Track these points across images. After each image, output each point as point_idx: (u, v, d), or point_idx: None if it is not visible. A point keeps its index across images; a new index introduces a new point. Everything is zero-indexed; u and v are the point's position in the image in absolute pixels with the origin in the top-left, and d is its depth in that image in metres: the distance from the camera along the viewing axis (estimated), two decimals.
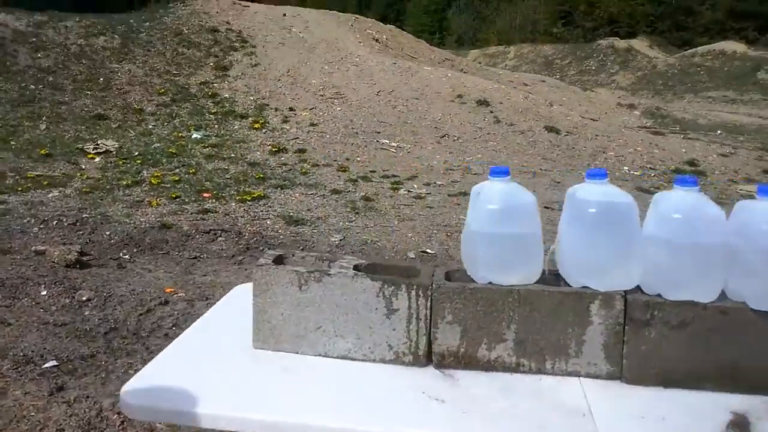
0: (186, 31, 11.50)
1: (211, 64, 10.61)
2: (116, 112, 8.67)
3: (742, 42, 27.11)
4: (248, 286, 1.68)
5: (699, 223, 1.26)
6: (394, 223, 5.69)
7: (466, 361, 1.35)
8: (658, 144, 10.01)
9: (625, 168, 8.43)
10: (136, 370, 3.16)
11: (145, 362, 3.24)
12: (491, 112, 10.12)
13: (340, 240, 5.18)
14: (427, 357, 1.38)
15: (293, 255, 1.53)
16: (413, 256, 4.89)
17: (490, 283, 1.35)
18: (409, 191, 6.69)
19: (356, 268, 1.45)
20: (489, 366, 1.35)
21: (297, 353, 1.41)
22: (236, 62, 10.83)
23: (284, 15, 13.67)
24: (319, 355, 1.40)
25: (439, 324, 1.35)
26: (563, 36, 34.79)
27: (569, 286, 1.36)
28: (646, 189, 7.34)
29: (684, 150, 9.85)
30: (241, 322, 1.46)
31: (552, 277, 1.39)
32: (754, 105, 21.49)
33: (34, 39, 10.00)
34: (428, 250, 4.98)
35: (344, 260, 1.50)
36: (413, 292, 1.35)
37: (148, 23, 11.56)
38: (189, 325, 3.71)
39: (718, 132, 13.09)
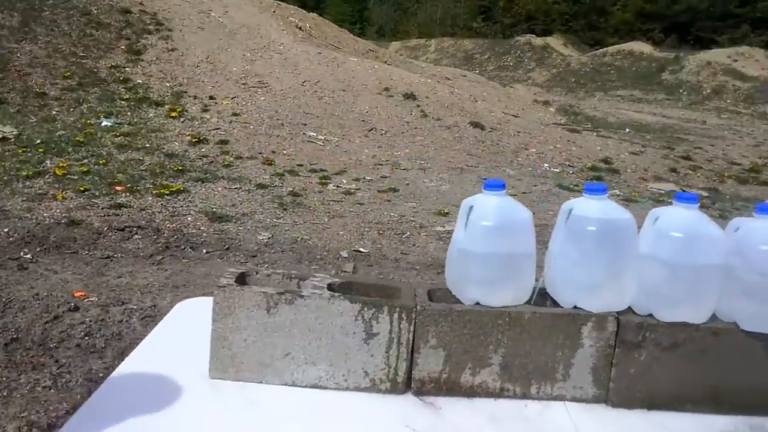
0: (95, 11, 10.73)
1: (123, 47, 9.95)
2: (15, 95, 7.94)
3: (648, 43, 28.58)
4: (193, 302, 1.49)
5: (699, 243, 1.17)
6: (324, 219, 5.49)
7: (448, 387, 1.22)
8: (575, 141, 10.29)
9: (546, 165, 8.59)
10: (44, 387, 2.85)
11: (54, 378, 2.92)
12: (418, 106, 10.06)
13: (269, 238, 4.92)
14: (406, 384, 1.24)
15: (257, 273, 1.33)
16: (346, 255, 4.72)
17: (477, 303, 1.20)
18: (338, 186, 6.50)
19: (330, 287, 1.27)
20: (472, 392, 1.23)
21: (261, 383, 1.23)
22: (150, 46, 10.21)
23: None
24: (286, 384, 1.22)
25: (421, 348, 1.21)
26: (483, 31, 35.45)
27: (558, 306, 1.24)
28: (566, 186, 7.49)
29: (599, 148, 10.17)
30: (191, 347, 1.25)
31: (539, 297, 1.26)
32: (659, 104, 22.73)
33: None
34: (361, 249, 4.82)
35: (316, 278, 1.32)
36: (396, 315, 1.19)
37: (51, 1, 10.70)
38: (103, 334, 3.38)
39: (627, 130, 13.66)
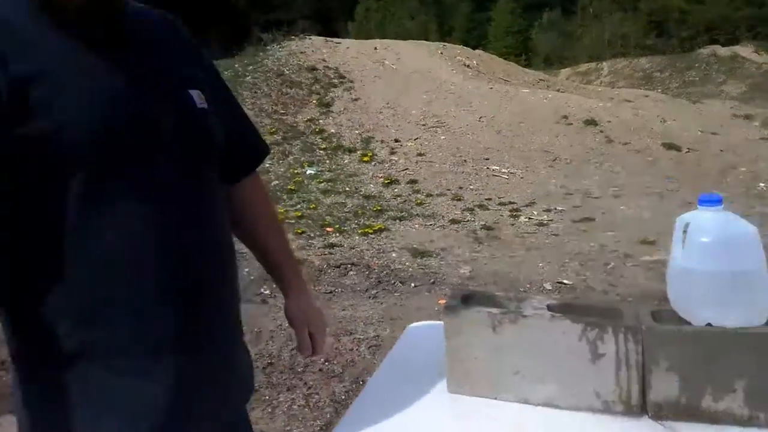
0: (287, 72, 11.90)
1: (314, 101, 10.89)
2: None
3: None
4: (420, 326, 1.62)
5: None
6: (521, 252, 5.52)
7: (688, 412, 1.19)
8: None
9: (762, 185, 7.83)
10: (300, 406, 3.19)
11: (306, 398, 3.27)
12: (601, 131, 9.76)
13: (470, 272, 5.07)
14: (641, 407, 1.23)
15: (476, 294, 1.44)
16: (550, 287, 4.70)
17: (709, 324, 1.18)
18: (529, 218, 6.51)
19: (550, 308, 1.33)
20: (715, 418, 1.19)
21: (495, 399, 1.30)
22: (337, 98, 11.06)
23: (375, 48, 13.92)
24: (519, 402, 1.28)
25: (653, 371, 1.20)
26: (658, 47, 33.45)
27: None
28: None
29: None
30: (427, 366, 1.38)
31: None
32: None
33: None
34: (565, 281, 4.77)
35: (534, 300, 1.39)
36: (621, 336, 1.21)
37: (251, 66, 12.06)
38: (339, 361, 3.70)
39: None
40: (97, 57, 0.87)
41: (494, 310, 1.29)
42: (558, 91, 13.95)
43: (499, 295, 1.48)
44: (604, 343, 1.20)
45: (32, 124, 0.80)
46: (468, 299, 1.39)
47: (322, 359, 3.60)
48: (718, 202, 1.19)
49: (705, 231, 1.19)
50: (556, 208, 6.84)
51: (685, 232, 1.27)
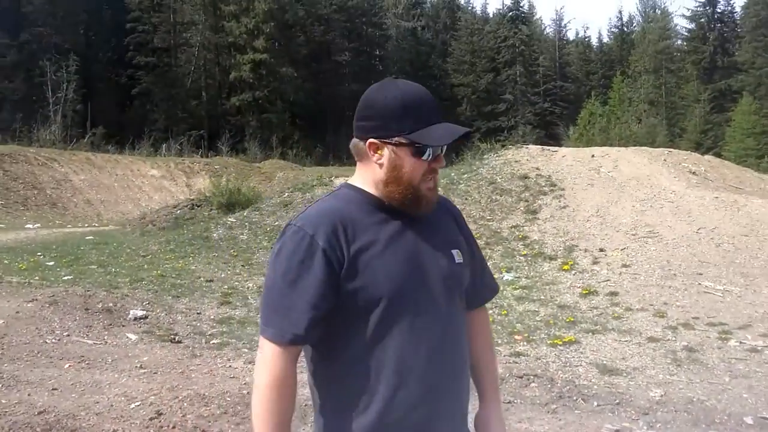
0: (499, 180, 12.45)
1: (522, 208, 11.21)
2: None
3: None
4: None
5: None
6: (724, 379, 5.10)
7: None
8: None
9: None
10: None
11: None
12: None
13: (661, 395, 4.82)
14: None
15: None
16: (751, 422, 4.29)
17: None
18: (741, 342, 5.95)
19: None
20: None
21: None
22: (545, 205, 11.25)
23: (593, 156, 13.89)
24: None
25: None
26: None
27: None
28: None
29: None
30: None
31: None
32: None
33: None
34: None
35: None
36: None
37: (466, 175, 12.87)
38: None
39: None
40: (400, 232, 1.43)
41: None
42: None
43: None
44: None
45: (356, 282, 1.35)
46: None
47: None
48: None
49: None
50: None
51: None
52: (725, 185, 13.17)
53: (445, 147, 1.42)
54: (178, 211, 17.08)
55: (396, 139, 1.39)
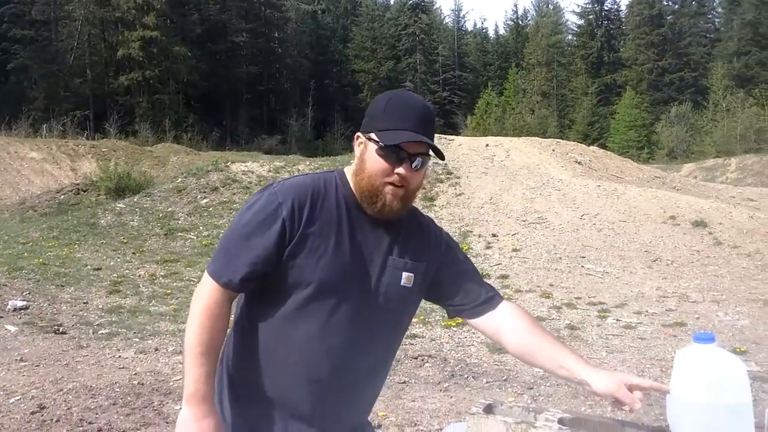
0: None
1: (419, 195, 11.44)
2: None
3: None
4: (459, 426, 1.83)
5: None
6: (602, 354, 5.50)
7: None
8: None
9: None
10: None
11: None
12: (710, 233, 9.44)
13: (544, 371, 5.12)
14: None
15: (501, 404, 1.68)
16: None
17: None
18: (618, 320, 6.44)
19: (561, 421, 1.55)
20: None
21: None
22: (442, 192, 11.58)
23: (487, 145, 14.43)
24: None
25: None
26: None
27: None
28: None
29: None
30: None
31: None
32: None
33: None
34: None
35: (549, 412, 1.61)
36: None
37: None
38: None
39: None
40: (361, 235, 1.47)
41: (509, 420, 1.54)
42: (674, 189, 13.63)
43: (519, 406, 1.73)
44: None
45: (295, 260, 1.40)
46: (491, 408, 1.64)
47: None
48: (711, 339, 1.40)
49: (696, 365, 1.38)
50: (647, 311, 6.71)
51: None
52: (608, 174, 14.12)
53: (421, 160, 1.43)
54: (62, 196, 16.05)
55: (370, 134, 1.45)
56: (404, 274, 1.50)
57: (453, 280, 1.60)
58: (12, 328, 5.84)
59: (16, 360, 5.01)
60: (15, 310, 6.34)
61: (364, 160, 1.44)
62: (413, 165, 1.42)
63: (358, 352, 1.47)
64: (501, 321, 1.60)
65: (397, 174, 1.41)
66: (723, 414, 1.32)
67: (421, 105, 1.47)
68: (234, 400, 1.51)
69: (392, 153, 1.41)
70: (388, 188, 1.42)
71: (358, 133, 1.48)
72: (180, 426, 1.38)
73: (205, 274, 1.45)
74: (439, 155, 1.48)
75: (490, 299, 1.62)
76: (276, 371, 1.46)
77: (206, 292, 1.42)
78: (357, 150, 1.48)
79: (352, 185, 1.48)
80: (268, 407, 1.47)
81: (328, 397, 1.47)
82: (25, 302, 6.58)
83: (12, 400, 4.20)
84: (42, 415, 3.98)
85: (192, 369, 1.37)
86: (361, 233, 1.47)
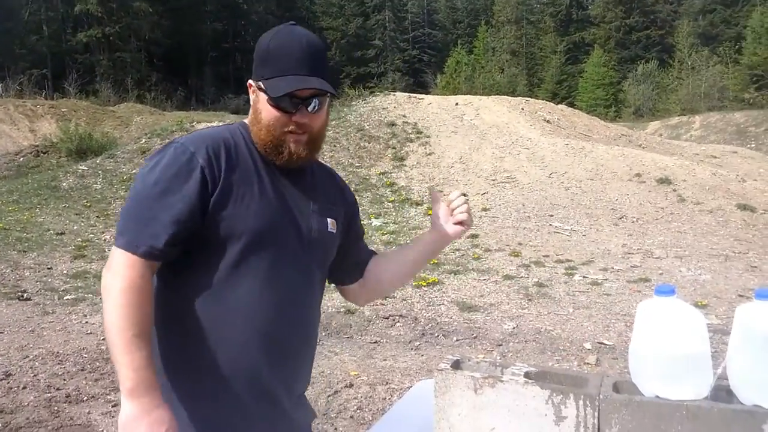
0: (367, 127, 12.54)
1: (390, 155, 11.41)
2: None
3: None
4: (429, 383, 1.85)
5: None
6: (569, 310, 5.61)
7: None
8: None
9: None
10: None
11: None
12: (674, 190, 9.62)
13: (513, 328, 5.22)
14: None
15: (469, 360, 1.70)
16: (589, 347, 4.78)
17: (657, 397, 1.40)
18: (584, 277, 6.56)
19: (527, 375, 1.58)
20: None
21: None
22: (412, 152, 11.54)
23: (456, 104, 14.36)
24: None
25: None
26: (757, 101, 32.04)
27: (741, 403, 1.37)
28: None
29: None
30: (424, 418, 1.64)
31: (723, 393, 1.41)
32: None
33: None
34: (605, 342, 4.84)
35: (516, 366, 1.63)
36: (581, 402, 1.44)
37: (334, 122, 12.79)
38: (371, 409, 3.96)
39: None
40: (281, 182, 1.38)
41: (476, 374, 1.56)
42: (640, 146, 13.81)
43: (487, 361, 1.76)
44: (566, 408, 1.43)
45: (224, 211, 1.28)
46: (459, 363, 1.66)
47: (354, 407, 3.88)
48: (671, 292, 1.43)
49: (657, 316, 1.44)
50: (613, 268, 6.85)
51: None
52: (576, 133, 14.22)
53: (318, 101, 1.34)
54: (21, 159, 15.56)
55: (258, 83, 1.36)
56: (329, 220, 1.45)
57: (353, 240, 1.58)
58: None
59: None
60: None
61: (258, 110, 1.36)
62: (310, 109, 1.34)
63: (302, 302, 1.41)
64: (374, 270, 1.61)
65: (296, 122, 1.33)
66: (683, 363, 1.36)
67: (305, 42, 1.35)
68: (182, 395, 1.32)
69: (284, 102, 1.32)
70: (290, 137, 1.34)
71: (250, 81, 1.38)
72: (127, 426, 1.18)
73: (114, 251, 1.25)
74: (332, 92, 1.37)
75: (366, 260, 1.62)
76: (222, 341, 1.31)
77: (122, 269, 1.22)
78: (251, 99, 1.39)
79: (253, 136, 1.39)
80: (223, 386, 1.32)
81: (285, 355, 1.38)
82: None
83: None
84: (8, 383, 3.92)
85: (127, 357, 1.18)
86: (280, 181, 1.38)
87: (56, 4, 42.68)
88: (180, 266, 1.31)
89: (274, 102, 1.32)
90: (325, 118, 1.41)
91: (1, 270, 6.50)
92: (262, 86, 1.33)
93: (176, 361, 1.32)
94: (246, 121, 1.43)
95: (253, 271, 1.31)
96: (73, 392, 3.82)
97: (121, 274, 1.22)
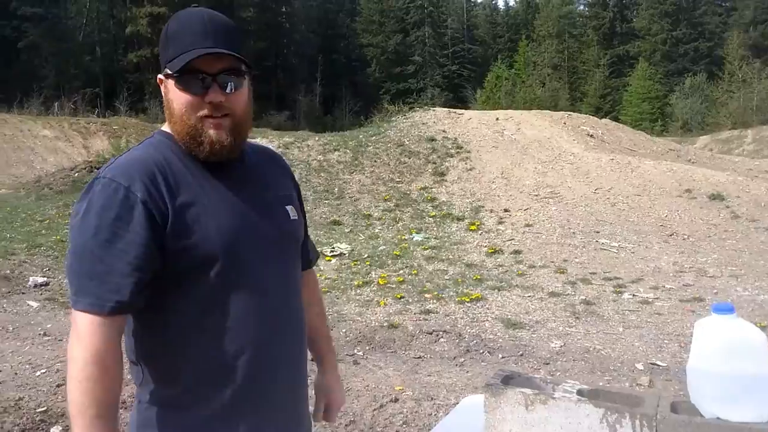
0: (407, 142, 12.55)
1: (430, 170, 11.38)
2: (348, 218, 9.67)
3: None
4: (476, 398, 1.81)
5: None
6: (618, 330, 5.46)
7: None
8: None
9: None
10: None
11: None
12: (727, 206, 9.31)
13: (561, 346, 5.10)
14: None
15: (519, 375, 1.65)
16: (641, 368, 4.63)
17: (718, 418, 1.33)
18: (634, 295, 6.38)
19: (579, 392, 1.52)
20: None
21: None
22: (452, 167, 11.48)
23: (497, 119, 14.26)
24: None
25: None
26: None
27: None
28: None
29: None
30: None
31: None
32: None
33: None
34: (659, 363, 4.68)
35: (567, 384, 1.58)
36: (637, 422, 1.38)
37: (374, 137, 12.86)
38: (417, 424, 3.91)
39: None
40: (226, 188, 1.26)
41: (528, 391, 1.51)
42: (689, 161, 13.46)
43: (537, 377, 1.71)
44: (621, 427, 1.38)
45: (185, 240, 1.17)
46: (509, 379, 1.61)
47: (400, 422, 3.84)
48: (730, 310, 1.38)
49: (716, 335, 1.38)
50: (664, 286, 6.64)
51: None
52: (620, 148, 13.93)
53: (233, 81, 1.22)
54: (76, 174, 16.05)
55: (165, 70, 1.24)
56: (288, 208, 1.37)
57: (304, 223, 1.51)
58: (34, 304, 5.91)
59: (39, 335, 5.08)
60: (36, 286, 6.43)
61: (170, 100, 1.23)
62: (225, 89, 1.21)
63: (289, 307, 1.34)
64: (306, 284, 1.53)
65: (210, 103, 1.20)
66: (742, 384, 1.30)
67: (207, 16, 1.24)
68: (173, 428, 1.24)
69: (192, 81, 1.20)
70: (207, 122, 1.21)
71: (159, 76, 1.26)
72: None
73: (76, 315, 1.14)
74: (246, 65, 1.25)
75: (308, 261, 1.55)
76: (227, 374, 1.24)
77: (87, 333, 1.11)
78: (163, 93, 1.27)
79: (175, 136, 1.26)
80: (218, 414, 1.24)
81: (285, 371, 1.32)
82: (45, 279, 6.66)
83: (38, 373, 4.25)
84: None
85: None
86: (225, 181, 1.26)
87: (109, 27, 44.33)
88: (156, 304, 1.21)
89: (181, 83, 1.20)
90: (248, 101, 1.28)
91: (59, 280, 6.70)
92: (169, 71, 1.22)
93: (166, 395, 1.25)
94: (164, 127, 1.31)
95: (237, 290, 1.23)
96: (129, 399, 3.88)
97: (85, 342, 1.11)
